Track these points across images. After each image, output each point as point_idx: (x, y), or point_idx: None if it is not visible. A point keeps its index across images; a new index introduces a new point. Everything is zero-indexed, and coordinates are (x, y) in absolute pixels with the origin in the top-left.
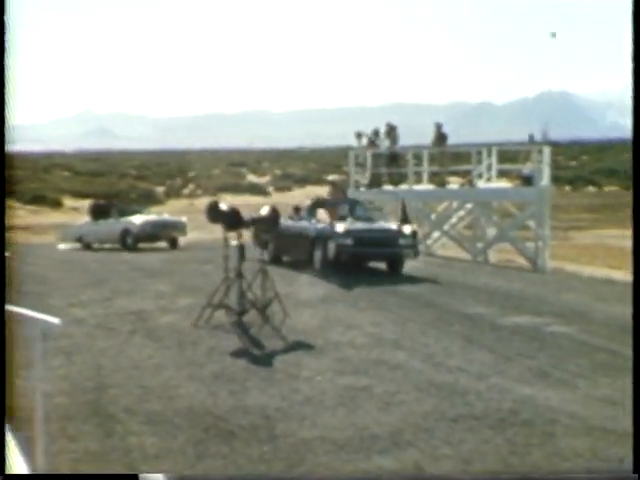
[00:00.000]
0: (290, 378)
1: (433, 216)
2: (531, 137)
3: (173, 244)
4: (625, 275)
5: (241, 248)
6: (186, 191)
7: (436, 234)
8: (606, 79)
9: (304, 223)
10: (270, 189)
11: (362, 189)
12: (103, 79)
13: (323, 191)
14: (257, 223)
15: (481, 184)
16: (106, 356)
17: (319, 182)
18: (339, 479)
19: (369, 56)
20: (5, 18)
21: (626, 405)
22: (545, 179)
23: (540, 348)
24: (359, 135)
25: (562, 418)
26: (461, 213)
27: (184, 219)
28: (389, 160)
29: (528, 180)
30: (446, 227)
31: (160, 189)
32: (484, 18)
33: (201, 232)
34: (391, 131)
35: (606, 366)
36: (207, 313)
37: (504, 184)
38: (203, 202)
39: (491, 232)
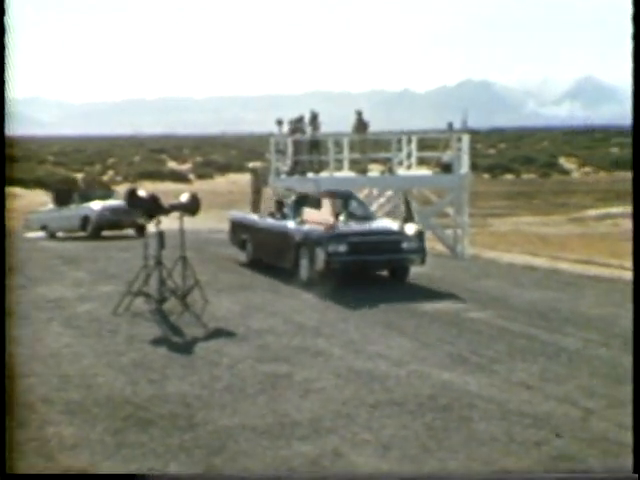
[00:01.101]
0: (211, 365)
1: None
2: (450, 125)
3: (140, 231)
4: (544, 261)
5: (160, 235)
6: (105, 178)
7: None
8: (525, 69)
9: (287, 223)
10: (191, 176)
11: (283, 176)
12: (19, 62)
13: (244, 178)
14: (176, 210)
15: (401, 171)
16: (22, 345)
17: (241, 169)
18: (339, 478)
19: (291, 44)
20: None
21: (542, 389)
22: (464, 166)
23: (459, 334)
24: (279, 122)
25: (479, 403)
26: (381, 200)
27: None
28: (310, 147)
29: (447, 167)
30: None
31: (79, 176)
32: (405, 8)
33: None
34: (313, 119)
35: (523, 351)
36: (127, 301)
37: (424, 171)
38: (123, 189)
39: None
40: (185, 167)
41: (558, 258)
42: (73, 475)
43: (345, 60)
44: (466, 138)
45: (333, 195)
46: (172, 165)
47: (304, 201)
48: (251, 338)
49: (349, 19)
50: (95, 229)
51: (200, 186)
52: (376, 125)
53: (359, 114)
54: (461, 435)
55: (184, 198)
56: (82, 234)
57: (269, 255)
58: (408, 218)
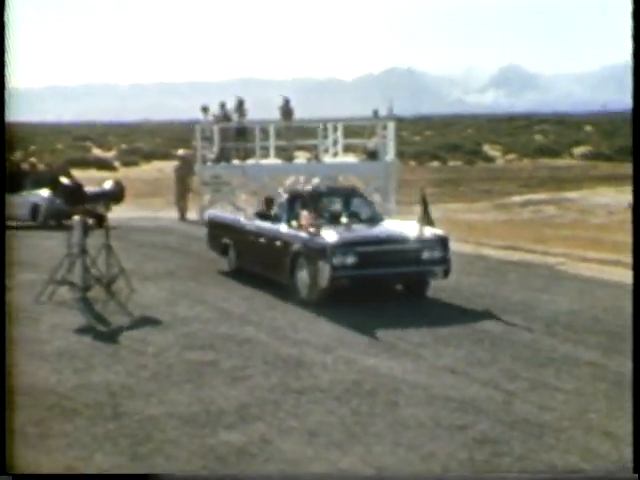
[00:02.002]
0: (136, 354)
1: (280, 190)
2: (375, 112)
3: (100, 221)
4: (469, 247)
5: (84, 223)
6: (26, 166)
7: None
8: (450, 57)
9: (280, 227)
10: (116, 164)
11: (209, 164)
12: None
13: (170, 166)
14: (101, 197)
15: (327, 159)
16: None
17: (167, 157)
18: (339, 478)
19: (216, 30)
20: None
21: (468, 373)
22: (390, 153)
23: (383, 320)
24: (205, 109)
25: (405, 388)
26: (308, 187)
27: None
28: (236, 134)
29: (373, 154)
30: None
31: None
32: None
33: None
34: (239, 105)
35: (449, 336)
36: (50, 289)
37: (350, 158)
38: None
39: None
40: (110, 154)
41: (483, 244)
42: (73, 475)
43: (271, 47)
44: (391, 125)
45: (335, 191)
46: (97, 152)
47: (298, 200)
48: (176, 326)
49: (275, 6)
50: (46, 219)
51: (125, 174)
52: (303, 112)
53: (286, 101)
54: (387, 420)
55: (108, 185)
56: (32, 224)
57: (258, 265)
58: (426, 221)
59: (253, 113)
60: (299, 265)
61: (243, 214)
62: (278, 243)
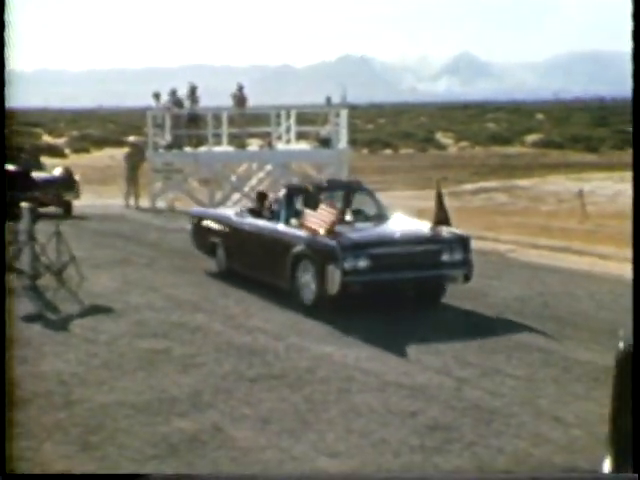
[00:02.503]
0: (87, 342)
1: (233, 178)
2: (328, 100)
3: (67, 209)
4: None
5: (32, 210)
6: None
7: (236, 196)
8: (404, 45)
9: (279, 226)
10: (67, 150)
11: (161, 151)
12: None
13: (123, 153)
14: (49, 185)
15: (280, 146)
16: None
17: (118, 143)
18: (341, 478)
19: (169, 16)
20: None
21: (421, 360)
22: (343, 141)
23: (337, 307)
24: (156, 95)
25: (358, 375)
26: (261, 175)
27: (77, 176)
28: (188, 121)
29: (326, 142)
30: (246, 189)
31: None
32: None
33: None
34: (192, 92)
35: (404, 327)
36: None
37: (303, 146)
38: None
39: None
40: (61, 141)
41: None
42: (73, 475)
43: (225, 34)
44: (344, 113)
45: (337, 185)
46: (47, 139)
47: (299, 196)
48: (128, 314)
49: None
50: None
51: (76, 160)
52: (256, 100)
53: (239, 88)
54: (340, 407)
55: (57, 172)
56: None
57: (252, 267)
58: (442, 218)
59: (206, 100)
60: (302, 269)
61: (234, 211)
62: (276, 243)
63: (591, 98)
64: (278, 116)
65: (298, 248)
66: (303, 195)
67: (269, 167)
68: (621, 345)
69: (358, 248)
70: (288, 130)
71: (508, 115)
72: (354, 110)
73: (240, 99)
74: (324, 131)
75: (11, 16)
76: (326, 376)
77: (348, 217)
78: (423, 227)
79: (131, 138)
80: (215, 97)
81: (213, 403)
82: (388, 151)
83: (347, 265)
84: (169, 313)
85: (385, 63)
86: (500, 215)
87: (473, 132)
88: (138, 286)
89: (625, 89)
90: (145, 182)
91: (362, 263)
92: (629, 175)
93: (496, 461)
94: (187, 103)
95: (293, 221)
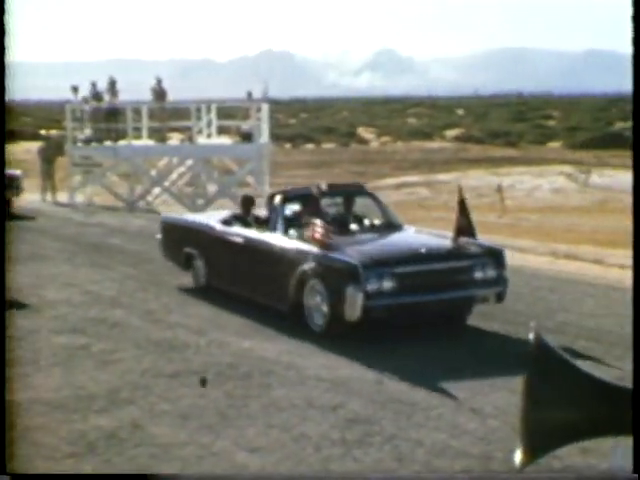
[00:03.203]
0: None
1: (153, 172)
2: (249, 94)
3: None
4: None
5: None
6: None
7: (157, 190)
8: (326, 40)
9: (276, 238)
10: None
11: (80, 144)
12: None
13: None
14: None
15: (201, 140)
16: None
17: (35, 137)
18: (340, 478)
19: (89, 11)
20: None
21: (345, 354)
22: (264, 136)
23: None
24: (75, 89)
25: (279, 369)
26: (182, 169)
27: (18, 172)
28: (108, 115)
29: (247, 136)
30: (167, 183)
31: None
32: None
33: None
34: (111, 86)
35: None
36: None
37: (224, 140)
38: None
39: (212, 188)
40: None
41: None
42: (73, 475)
43: (145, 27)
44: (265, 107)
45: (337, 190)
46: None
47: (295, 202)
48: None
49: None
50: None
51: None
52: (177, 94)
53: (158, 82)
54: (261, 402)
55: None
56: None
57: (241, 285)
58: (465, 228)
59: (126, 94)
60: (310, 289)
61: (216, 218)
62: (275, 259)
63: (510, 93)
64: (199, 110)
65: (306, 266)
66: (300, 201)
67: (190, 162)
68: (532, 337)
69: (381, 266)
70: (209, 124)
71: (429, 110)
72: (276, 105)
73: (159, 93)
74: (246, 125)
75: None
76: (247, 371)
77: (353, 226)
78: (444, 239)
79: (48, 132)
80: (135, 91)
81: (132, 399)
82: (310, 146)
83: (370, 287)
84: (87, 309)
85: (307, 58)
86: (422, 209)
87: (394, 127)
88: (55, 281)
89: (542, 84)
90: (63, 176)
91: (386, 284)
92: (547, 170)
93: (415, 453)
94: (107, 97)
95: (292, 232)
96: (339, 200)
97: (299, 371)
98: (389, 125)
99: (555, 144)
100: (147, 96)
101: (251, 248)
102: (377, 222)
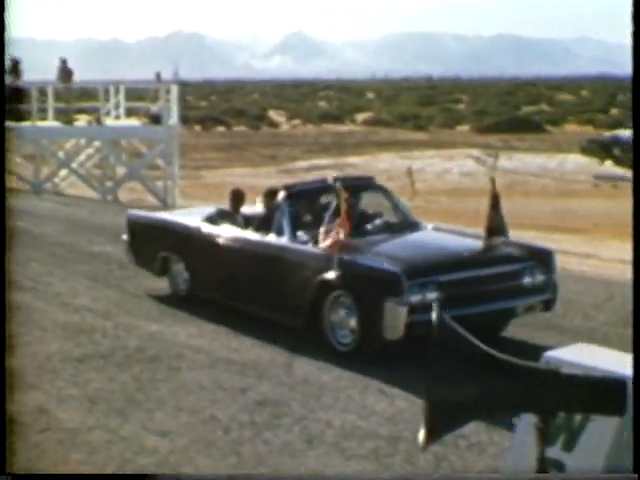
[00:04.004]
0: None
1: (61, 154)
2: (158, 75)
3: None
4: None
5: None
6: None
7: (64, 172)
8: (237, 22)
9: (285, 241)
10: None
11: None
12: None
13: None
14: None
15: (109, 122)
16: None
17: None
18: (340, 478)
19: None
20: None
21: (250, 336)
22: (174, 118)
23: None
24: None
25: (188, 352)
26: (90, 151)
27: None
28: (11, 96)
29: (156, 119)
30: (74, 165)
31: None
32: None
33: None
34: (14, 66)
35: None
36: None
37: (133, 122)
38: None
39: (120, 171)
40: None
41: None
42: (73, 475)
43: (51, 7)
44: (175, 89)
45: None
46: None
47: (302, 199)
48: None
49: None
50: None
51: None
52: (84, 75)
53: (63, 62)
54: (170, 386)
55: None
56: None
57: (240, 296)
58: (497, 226)
59: (31, 74)
60: (334, 303)
61: (196, 216)
62: (285, 266)
63: (419, 77)
64: (106, 92)
65: (328, 274)
66: (307, 198)
67: (97, 143)
68: (434, 315)
69: (424, 274)
70: (117, 106)
71: (339, 93)
72: (186, 87)
73: (65, 73)
74: (154, 107)
75: None
76: (156, 354)
77: (368, 226)
78: (474, 239)
79: None
80: (40, 71)
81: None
82: (221, 128)
83: (413, 299)
84: None
85: (218, 40)
86: None
87: (305, 110)
88: None
89: (452, 69)
90: None
91: (430, 295)
92: (456, 153)
93: (325, 434)
94: (9, 77)
95: (301, 234)
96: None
97: (209, 354)
98: (300, 108)
99: (464, 128)
100: (53, 76)
101: (251, 253)
102: (392, 220)
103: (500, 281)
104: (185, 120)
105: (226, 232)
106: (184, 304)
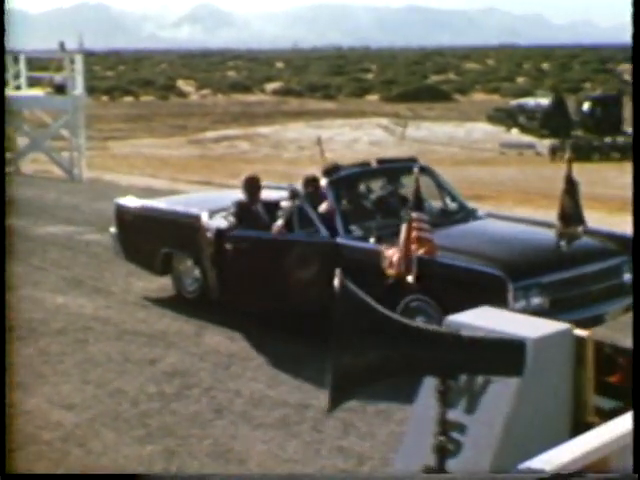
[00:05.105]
0: None
1: None
2: (62, 45)
3: None
4: (164, 183)
5: None
6: None
7: None
8: None
9: (335, 238)
10: None
11: None
12: None
13: None
14: None
15: (10, 92)
16: None
17: None
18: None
19: None
20: None
21: (156, 307)
22: (79, 88)
23: (74, 257)
24: None
25: (95, 325)
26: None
27: None
28: None
29: (60, 88)
30: None
31: None
32: None
33: None
34: None
35: (138, 272)
36: None
37: (36, 92)
38: None
39: (23, 142)
40: None
41: (178, 180)
42: (73, 475)
43: None
44: (79, 59)
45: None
46: None
47: (347, 186)
48: None
49: None
50: None
51: None
52: None
53: None
54: (76, 358)
55: None
56: None
57: (279, 303)
58: (573, 214)
59: None
60: (407, 310)
61: (203, 204)
62: (337, 266)
63: (329, 47)
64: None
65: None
66: (349, 184)
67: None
68: (336, 282)
69: (526, 276)
70: (17, 76)
71: (248, 64)
72: (92, 57)
73: None
74: (58, 77)
75: None
76: (62, 327)
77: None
78: (548, 228)
79: None
80: None
81: None
82: (129, 99)
83: (518, 305)
84: None
85: (124, 11)
86: (243, 162)
87: (214, 80)
88: None
89: (361, 39)
90: None
91: (536, 300)
92: (365, 122)
93: (233, 404)
94: None
95: (355, 228)
96: (386, 180)
97: (116, 326)
98: (209, 78)
99: (373, 97)
100: None
101: (293, 252)
102: (447, 207)
103: (602, 280)
104: (91, 90)
105: (253, 232)
106: (91, 276)
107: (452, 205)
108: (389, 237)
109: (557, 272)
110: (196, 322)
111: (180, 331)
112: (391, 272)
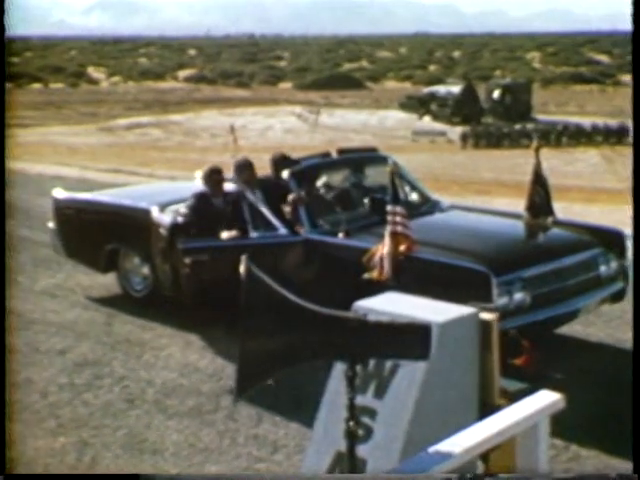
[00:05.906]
0: None
1: None
2: None
3: None
4: (73, 171)
5: None
6: None
7: None
8: None
9: (302, 233)
10: None
11: None
12: None
13: None
14: None
15: None
16: None
17: None
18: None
19: None
20: None
21: (67, 297)
22: None
23: None
24: None
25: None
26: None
27: None
28: None
29: None
30: None
31: None
32: None
33: None
34: None
35: (47, 261)
36: None
37: None
38: None
39: None
40: None
41: (88, 168)
42: (73, 475)
43: None
44: None
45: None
46: None
47: (307, 178)
48: None
49: None
50: None
51: None
52: None
53: None
54: None
55: None
56: None
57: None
58: (540, 204)
59: None
60: None
61: (155, 200)
62: (306, 263)
63: (241, 35)
64: None
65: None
66: (310, 177)
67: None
68: (242, 269)
69: (508, 271)
70: None
71: (160, 51)
72: None
73: None
74: None
75: None
76: None
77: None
78: (517, 219)
79: None
80: None
81: None
82: (37, 85)
83: (501, 302)
84: None
85: None
86: (155, 150)
87: (125, 67)
88: None
89: (274, 26)
90: None
91: (518, 295)
92: (278, 110)
93: (146, 393)
94: None
95: (324, 224)
96: (348, 171)
97: (22, 315)
98: (120, 65)
99: (286, 85)
100: None
101: (258, 248)
102: (415, 200)
103: (580, 272)
104: None
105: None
106: None
107: (416, 197)
108: (357, 231)
109: (537, 266)
110: (107, 311)
111: (91, 320)
112: (374, 274)
